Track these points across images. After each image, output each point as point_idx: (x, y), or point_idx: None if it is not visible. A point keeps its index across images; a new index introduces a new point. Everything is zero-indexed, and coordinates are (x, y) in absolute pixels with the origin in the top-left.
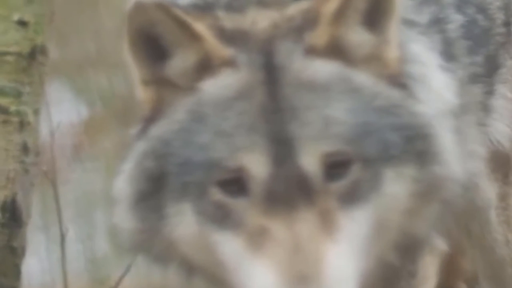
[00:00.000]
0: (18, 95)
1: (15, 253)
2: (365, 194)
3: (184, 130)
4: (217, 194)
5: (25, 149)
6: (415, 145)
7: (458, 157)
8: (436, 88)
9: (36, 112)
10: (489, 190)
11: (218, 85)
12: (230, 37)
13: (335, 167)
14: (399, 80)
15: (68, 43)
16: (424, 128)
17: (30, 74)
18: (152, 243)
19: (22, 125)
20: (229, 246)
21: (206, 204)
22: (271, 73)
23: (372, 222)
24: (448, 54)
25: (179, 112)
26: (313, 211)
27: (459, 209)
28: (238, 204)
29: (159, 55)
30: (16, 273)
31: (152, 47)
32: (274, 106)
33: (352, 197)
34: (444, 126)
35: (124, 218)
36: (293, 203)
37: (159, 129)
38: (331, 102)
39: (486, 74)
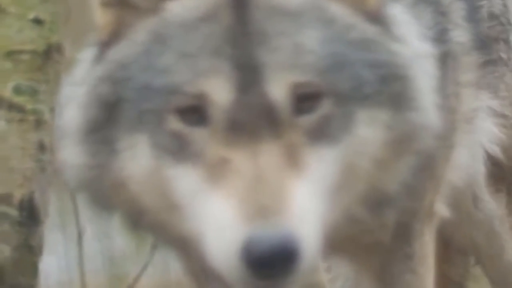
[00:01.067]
0: (34, 93)
1: (33, 252)
2: (334, 133)
3: (145, 52)
4: (175, 123)
5: (41, 147)
6: (390, 86)
7: (435, 105)
8: (413, 45)
9: (52, 110)
10: (490, 201)
11: (183, 5)
12: None
13: (304, 99)
14: (377, 16)
15: (84, 41)
16: (401, 68)
17: (46, 72)
18: (100, 182)
19: (39, 123)
20: (186, 180)
21: (163, 134)
22: None
23: (340, 165)
24: (443, 25)
25: (139, 33)
26: (278, 143)
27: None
28: (197, 134)
29: None
30: (33, 271)
31: None
32: (242, 29)
33: (320, 134)
34: (422, 69)
35: (72, 152)
36: (257, 134)
37: (117, 52)
38: (302, 30)
39: (480, 56)
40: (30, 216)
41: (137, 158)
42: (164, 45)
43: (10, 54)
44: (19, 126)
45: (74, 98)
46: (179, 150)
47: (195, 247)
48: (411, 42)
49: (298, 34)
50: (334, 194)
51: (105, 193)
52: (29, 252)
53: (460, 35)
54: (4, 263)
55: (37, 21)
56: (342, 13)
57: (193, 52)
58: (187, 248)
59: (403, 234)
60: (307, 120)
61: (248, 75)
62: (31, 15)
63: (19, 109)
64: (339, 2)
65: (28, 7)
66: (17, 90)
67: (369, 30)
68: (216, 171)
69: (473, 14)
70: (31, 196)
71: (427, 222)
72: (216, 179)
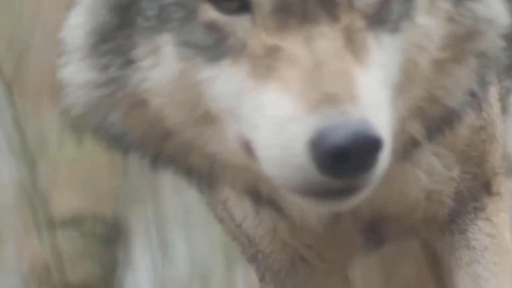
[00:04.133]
0: None
1: (118, 268)
2: (395, 19)
3: None
4: (209, 12)
5: (128, 164)
6: None
7: None
8: None
9: None
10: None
11: None
12: None
13: None
14: None
15: None
16: None
17: None
18: (113, 102)
19: None
20: (225, 80)
21: (193, 29)
22: None
23: (401, 56)
24: None
25: None
26: (335, 26)
27: None
28: (238, 23)
29: None
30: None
31: None
32: None
33: (380, 19)
34: None
35: (78, 68)
36: (310, 16)
37: None
38: None
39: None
40: (117, 233)
41: (160, 64)
42: None
43: None
44: None
45: (78, 2)
46: (214, 46)
47: (229, 166)
48: None
49: None
50: (394, 92)
51: (118, 117)
52: (115, 269)
53: None
54: (93, 281)
55: None
56: None
57: None
58: (217, 174)
59: (467, 198)
60: (366, 3)
61: None
62: None
63: None
64: None
65: None
66: None
67: None
68: (265, 63)
69: None
70: (118, 213)
71: (496, 197)
72: (265, 73)
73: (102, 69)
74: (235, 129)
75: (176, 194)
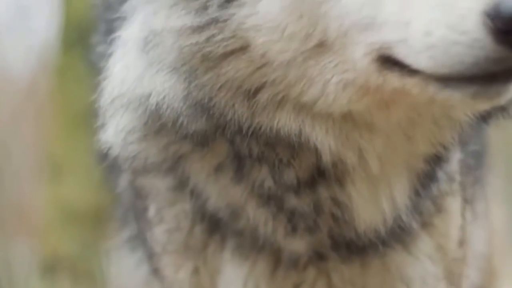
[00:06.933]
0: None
1: None
2: None
3: None
4: None
5: None
6: None
7: None
8: None
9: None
10: None
11: None
12: None
13: None
14: None
15: None
16: None
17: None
18: (209, 49)
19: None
20: None
21: None
22: None
23: None
24: None
25: None
26: None
27: None
28: None
29: None
30: None
31: None
32: None
33: None
34: None
35: (170, 14)
36: None
37: None
38: None
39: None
40: None
41: None
42: None
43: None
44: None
45: None
46: None
47: (325, 117)
48: None
49: None
50: None
51: (210, 71)
52: None
53: None
54: None
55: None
56: None
57: None
58: (305, 134)
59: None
60: None
61: None
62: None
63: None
64: None
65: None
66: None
67: None
68: None
69: None
70: None
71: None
72: None
73: (199, 11)
74: (369, 41)
75: None
